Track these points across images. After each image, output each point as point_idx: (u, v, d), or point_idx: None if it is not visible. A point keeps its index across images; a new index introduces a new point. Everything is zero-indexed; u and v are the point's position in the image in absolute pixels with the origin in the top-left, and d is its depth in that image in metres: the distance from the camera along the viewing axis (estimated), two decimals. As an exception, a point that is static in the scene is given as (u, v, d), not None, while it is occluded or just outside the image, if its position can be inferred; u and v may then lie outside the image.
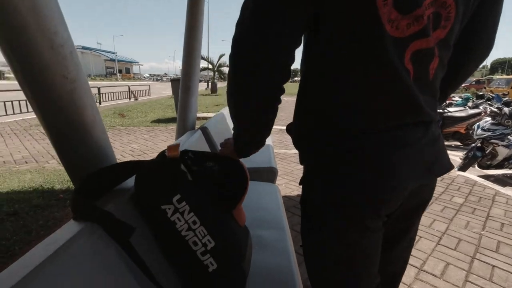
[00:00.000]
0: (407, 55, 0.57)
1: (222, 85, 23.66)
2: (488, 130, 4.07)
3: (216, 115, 2.87)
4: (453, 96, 9.88)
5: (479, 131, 4.14)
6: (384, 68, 0.56)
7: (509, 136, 4.00)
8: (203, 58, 18.39)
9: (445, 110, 6.39)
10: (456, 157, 5.00)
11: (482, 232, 2.25)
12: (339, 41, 0.56)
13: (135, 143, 5.08)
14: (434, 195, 3.05)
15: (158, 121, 7.42)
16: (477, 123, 4.35)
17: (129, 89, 14.38)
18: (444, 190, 3.19)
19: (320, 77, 0.61)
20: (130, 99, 14.16)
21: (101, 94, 11.67)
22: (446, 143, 4.66)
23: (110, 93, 12.63)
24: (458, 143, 6.34)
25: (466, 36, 0.69)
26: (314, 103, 0.64)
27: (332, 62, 0.58)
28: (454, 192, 3.13)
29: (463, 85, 26.26)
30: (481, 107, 7.43)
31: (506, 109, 4.08)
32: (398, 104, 0.59)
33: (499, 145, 3.99)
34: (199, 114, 8.01)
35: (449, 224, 2.36)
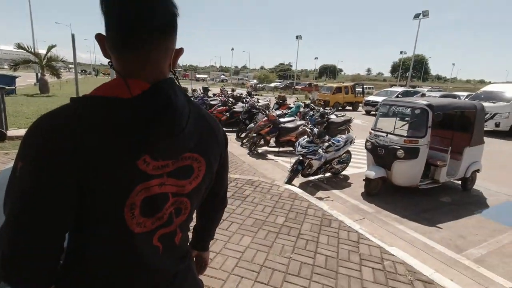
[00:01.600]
0: (155, 238, 0.72)
1: (56, 81, 19.55)
2: (305, 147, 4.96)
3: None
4: (289, 104, 11.63)
5: (299, 148, 4.99)
6: (130, 257, 0.70)
7: (319, 151, 5.00)
8: (22, 48, 14.27)
9: (280, 121, 7.40)
10: (288, 163, 5.92)
11: (291, 256, 2.69)
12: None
13: None
14: (263, 217, 3.46)
15: None
16: (298, 141, 5.23)
17: None
18: (272, 210, 3.66)
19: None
20: None
21: None
22: (282, 149, 5.37)
23: None
24: (292, 149, 7.51)
25: (207, 198, 0.91)
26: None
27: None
28: (278, 212, 3.64)
29: (299, 87, 31.49)
30: (307, 117, 9.05)
31: (315, 130, 5.07)
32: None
33: (313, 159, 4.93)
34: (14, 132, 6.27)
35: (268, 253, 2.70)
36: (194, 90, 13.72)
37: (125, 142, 0.61)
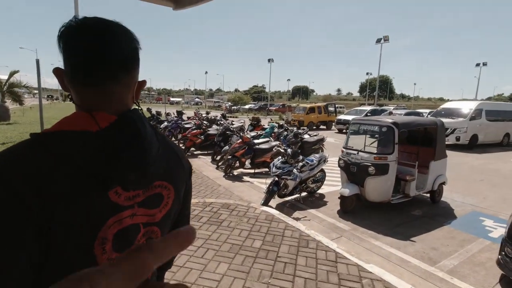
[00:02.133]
0: None
1: (18, 108, 18.60)
2: (280, 168, 4.98)
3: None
4: (264, 125, 11.77)
5: (274, 169, 5.00)
6: None
7: (294, 171, 5.04)
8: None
9: (255, 143, 7.43)
10: (264, 184, 5.90)
11: (269, 281, 2.61)
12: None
13: None
14: (240, 242, 3.34)
15: None
16: (273, 162, 5.25)
17: None
18: (248, 234, 3.59)
19: None
20: None
21: None
22: (258, 171, 5.34)
23: None
24: (267, 170, 7.51)
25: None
26: None
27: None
28: (255, 235, 3.57)
29: (273, 108, 31.97)
30: (281, 137, 9.17)
31: (289, 151, 5.13)
32: None
33: (288, 179, 4.94)
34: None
35: (246, 280, 2.61)
36: (167, 114, 13.57)
37: (96, 175, 0.58)
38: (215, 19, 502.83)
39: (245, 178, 6.91)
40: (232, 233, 3.58)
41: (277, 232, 3.68)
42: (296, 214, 4.84)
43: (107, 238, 0.61)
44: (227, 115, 15.72)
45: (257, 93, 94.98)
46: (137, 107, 0.71)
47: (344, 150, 5.10)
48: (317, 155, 5.73)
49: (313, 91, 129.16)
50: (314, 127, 19.65)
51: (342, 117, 19.37)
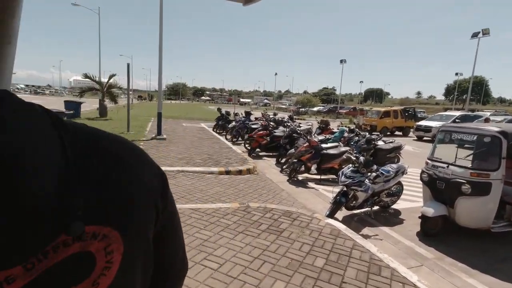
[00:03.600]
0: None
1: (115, 106, 21.42)
2: (349, 177, 4.49)
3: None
4: (332, 129, 11.14)
5: (343, 178, 4.53)
6: None
7: (365, 181, 4.50)
8: (88, 77, 16.16)
9: (323, 147, 6.99)
10: (330, 193, 5.44)
11: (332, 312, 2.25)
12: None
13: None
14: (300, 257, 3.06)
15: None
16: (342, 170, 4.78)
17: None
18: (310, 249, 3.25)
19: None
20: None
21: None
22: (324, 177, 4.94)
23: None
24: (335, 177, 6.99)
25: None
26: None
27: None
28: (317, 251, 3.21)
29: (343, 111, 30.79)
30: (351, 143, 8.51)
31: (361, 158, 4.59)
32: None
33: (358, 191, 4.43)
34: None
35: (304, 306, 2.31)
36: (236, 114, 13.93)
37: None
38: (285, 18, 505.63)
39: (310, 184, 6.52)
40: (292, 246, 3.28)
41: (343, 251, 3.26)
42: (366, 230, 4.30)
43: None
44: (294, 117, 15.40)
45: (326, 95, 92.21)
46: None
47: (429, 161, 4.34)
48: (394, 165, 5.03)
49: (388, 94, 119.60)
50: (388, 133, 17.94)
51: (423, 123, 17.25)
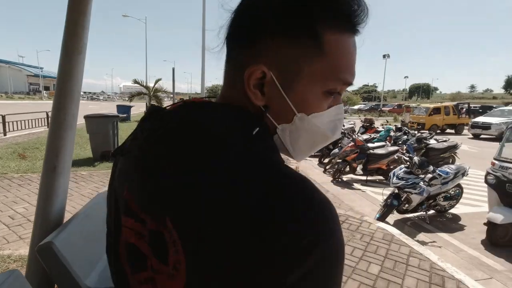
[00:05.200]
0: None
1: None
2: (402, 178, 4.21)
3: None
4: (377, 127, 10.62)
5: (395, 180, 4.26)
6: None
7: (420, 183, 4.19)
8: (137, 82, 17.23)
9: (369, 147, 6.68)
10: (378, 194, 5.16)
11: (393, 323, 2.10)
12: None
13: (24, 201, 4.17)
14: (353, 263, 2.93)
15: (77, 162, 6.17)
16: (393, 171, 4.50)
17: (47, 115, 12.69)
18: (363, 254, 3.08)
19: None
20: (48, 127, 12.46)
21: (6, 123, 9.99)
22: (370, 178, 4.70)
23: (22, 120, 10.92)
24: (382, 178, 6.65)
25: None
26: None
27: None
28: (371, 256, 3.04)
29: (387, 108, 29.37)
30: (399, 142, 8.03)
31: (415, 159, 4.28)
32: None
33: (412, 193, 4.14)
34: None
35: (362, 315, 2.18)
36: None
37: None
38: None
39: (356, 185, 6.25)
40: (343, 250, 3.15)
41: (399, 258, 3.04)
42: (421, 236, 3.99)
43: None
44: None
45: (367, 93, 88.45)
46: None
47: (496, 162, 3.91)
48: (453, 166, 4.61)
49: (436, 89, 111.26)
50: (438, 131, 16.64)
51: (480, 119, 15.71)
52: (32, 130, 11.22)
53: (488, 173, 3.95)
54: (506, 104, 35.73)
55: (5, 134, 9.79)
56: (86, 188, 4.76)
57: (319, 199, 0.35)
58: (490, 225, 3.69)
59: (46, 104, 24.12)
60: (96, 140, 6.45)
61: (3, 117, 9.94)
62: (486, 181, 3.98)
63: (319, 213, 0.35)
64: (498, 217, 3.60)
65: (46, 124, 12.58)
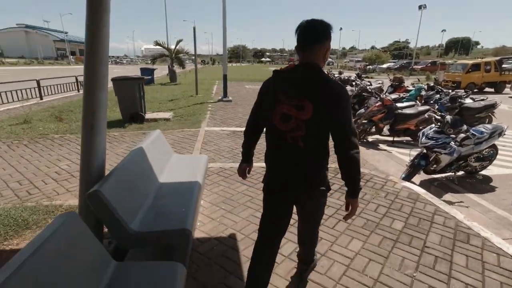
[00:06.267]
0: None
1: (182, 71, 22.46)
2: (432, 138, 4.08)
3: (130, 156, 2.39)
4: (407, 86, 10.09)
5: (424, 139, 4.14)
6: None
7: (451, 143, 4.05)
8: (158, 44, 17.11)
9: (397, 106, 6.44)
10: (404, 155, 5.07)
11: (415, 275, 2.18)
12: None
13: (67, 159, 4.53)
14: (376, 219, 3.00)
15: (108, 124, 6.48)
16: (423, 130, 4.35)
17: (77, 80, 13.14)
18: (386, 211, 3.13)
19: None
20: (79, 91, 12.95)
21: (41, 88, 10.50)
22: (397, 139, 4.63)
23: (54, 85, 11.40)
24: (409, 139, 6.47)
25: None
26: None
27: None
28: (395, 214, 3.08)
29: (418, 67, 27.40)
30: (431, 101, 7.62)
31: (448, 118, 4.10)
32: None
33: (441, 153, 4.03)
34: (149, 115, 7.40)
35: (383, 266, 2.27)
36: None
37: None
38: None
39: (382, 146, 6.14)
40: (367, 207, 3.21)
41: (424, 216, 3.07)
42: (448, 196, 3.95)
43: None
44: (362, 75, 14.26)
45: (398, 50, 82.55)
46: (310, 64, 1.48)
47: (538, 121, 3.65)
48: (489, 126, 4.37)
49: (477, 43, 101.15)
50: (476, 90, 15.51)
51: (525, 76, 14.38)
52: (64, 94, 11.74)
53: (528, 133, 3.72)
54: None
55: (41, 98, 10.35)
56: (119, 148, 5.05)
57: (345, 88, 1.47)
58: (524, 186, 3.56)
59: (74, 69, 24.82)
60: (125, 102, 6.67)
61: (38, 82, 10.42)
62: (524, 141, 3.76)
63: (344, 89, 1.45)
64: (534, 178, 3.45)
65: (76, 88, 13.06)
